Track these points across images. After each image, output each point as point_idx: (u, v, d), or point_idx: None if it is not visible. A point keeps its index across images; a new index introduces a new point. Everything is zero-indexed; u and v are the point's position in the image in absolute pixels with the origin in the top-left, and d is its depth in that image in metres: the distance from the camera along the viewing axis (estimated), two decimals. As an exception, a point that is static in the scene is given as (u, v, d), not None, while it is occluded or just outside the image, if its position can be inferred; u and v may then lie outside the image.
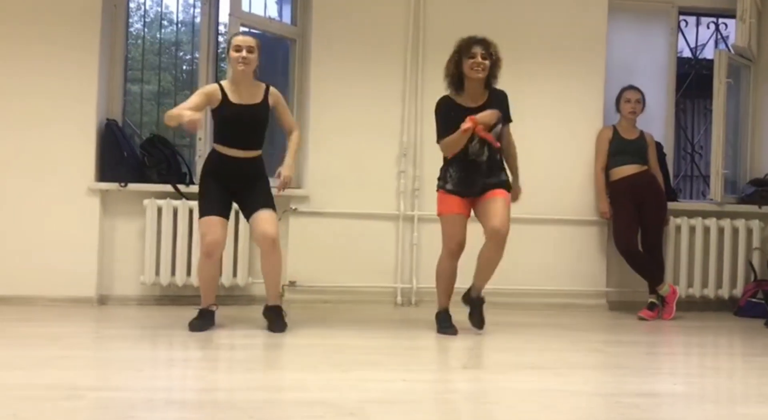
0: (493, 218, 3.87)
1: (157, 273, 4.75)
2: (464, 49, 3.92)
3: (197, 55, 5.23)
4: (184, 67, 6.15)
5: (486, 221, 3.92)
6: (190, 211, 4.76)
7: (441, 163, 4.06)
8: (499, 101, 3.97)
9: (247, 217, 3.98)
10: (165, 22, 5.68)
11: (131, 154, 4.87)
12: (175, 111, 3.76)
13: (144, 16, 5.82)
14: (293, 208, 4.96)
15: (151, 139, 4.94)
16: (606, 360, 3.59)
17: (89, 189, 4.74)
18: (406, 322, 4.50)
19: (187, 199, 4.79)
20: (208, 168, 3.98)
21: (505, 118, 4.01)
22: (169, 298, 4.82)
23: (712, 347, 4.32)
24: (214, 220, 3.84)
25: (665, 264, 5.11)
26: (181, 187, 4.82)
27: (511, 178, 4.07)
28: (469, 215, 4.03)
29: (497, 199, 3.92)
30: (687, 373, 3.44)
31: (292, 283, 4.90)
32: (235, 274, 4.83)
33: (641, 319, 4.80)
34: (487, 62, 3.91)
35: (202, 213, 3.90)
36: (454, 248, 3.99)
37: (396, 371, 3.14)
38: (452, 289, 4.10)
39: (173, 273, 4.76)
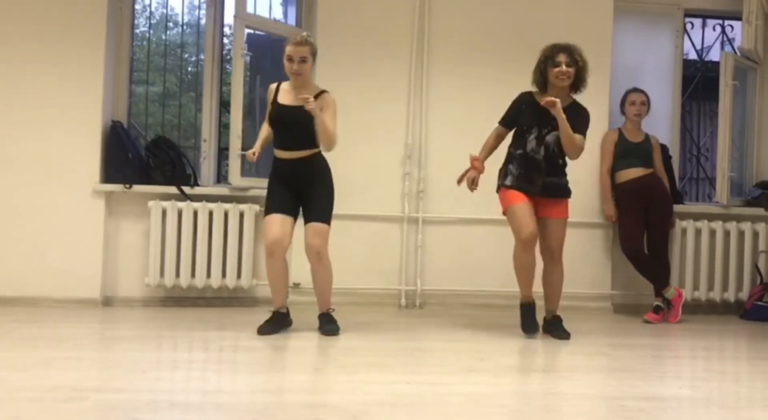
0: (552, 239, 4.04)
1: (162, 274, 4.75)
2: (549, 57, 3.99)
3: (202, 57, 5.24)
4: (189, 69, 6.16)
5: (544, 237, 4.04)
6: (195, 213, 4.77)
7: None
8: (573, 113, 3.99)
9: (304, 222, 3.98)
10: (170, 24, 5.70)
11: (136, 156, 4.87)
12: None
13: (149, 18, 5.83)
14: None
15: (156, 140, 4.94)
16: (611, 363, 3.58)
17: (94, 190, 4.75)
18: (411, 325, 4.49)
19: (192, 200, 4.79)
20: (271, 174, 4.03)
21: (575, 130, 3.98)
22: (174, 299, 4.83)
23: (718, 351, 4.29)
24: (274, 218, 3.88)
25: (671, 267, 5.09)
26: (186, 189, 4.82)
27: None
28: (533, 209, 4.03)
29: (560, 222, 4.07)
30: (692, 377, 3.42)
31: (296, 285, 4.90)
32: (239, 276, 4.83)
33: (646, 322, 4.78)
34: (572, 70, 3.97)
35: (265, 213, 3.95)
36: (527, 237, 3.95)
37: (400, 374, 3.13)
38: (533, 278, 4.08)
39: (177, 274, 4.76)
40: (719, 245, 5.24)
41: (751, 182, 5.61)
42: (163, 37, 5.72)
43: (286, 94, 3.97)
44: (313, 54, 3.95)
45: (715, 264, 5.25)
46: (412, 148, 5.09)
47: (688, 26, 5.65)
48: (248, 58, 5.04)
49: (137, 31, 5.47)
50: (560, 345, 3.93)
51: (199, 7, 5.32)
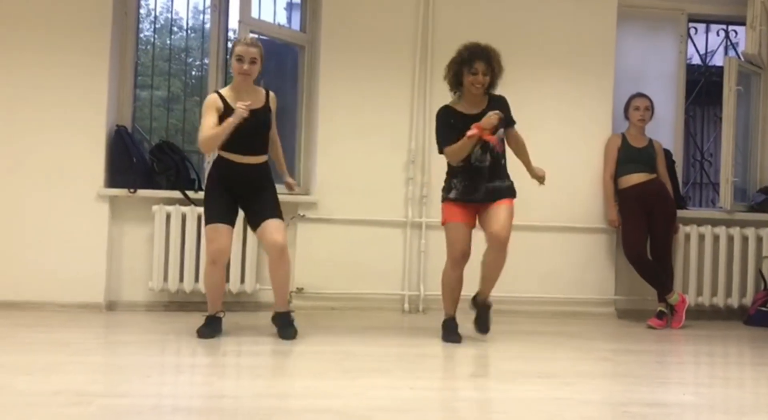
0: (495, 223, 3.89)
1: (166, 279, 4.76)
2: (466, 61, 3.90)
3: (207, 62, 5.25)
4: (194, 73, 6.18)
5: (487, 226, 3.94)
6: (199, 218, 4.77)
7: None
8: (499, 106, 3.95)
9: (254, 225, 3.97)
10: (175, 29, 5.71)
11: (140, 160, 4.88)
12: (212, 132, 3.76)
13: (154, 23, 5.86)
14: (301, 214, 4.97)
15: (161, 145, 4.95)
16: (614, 369, 3.57)
17: (98, 195, 4.76)
18: (414, 330, 4.49)
19: (196, 205, 4.80)
20: (213, 175, 3.97)
21: (508, 122, 3.99)
22: (178, 304, 4.83)
23: (722, 357, 4.29)
24: (219, 228, 3.85)
25: (674, 272, 5.09)
26: (190, 194, 4.83)
27: (527, 169, 4.05)
28: (474, 224, 4.03)
29: (501, 206, 3.94)
30: (696, 383, 3.42)
31: (299, 290, 4.90)
32: (242, 281, 4.84)
33: (650, 327, 4.77)
34: (487, 78, 3.90)
35: (208, 220, 3.90)
36: (457, 257, 3.98)
37: (403, 379, 3.13)
38: (458, 297, 4.11)
39: (181, 279, 4.77)
40: (723, 251, 5.23)
41: (754, 187, 5.61)
42: (168, 42, 5.73)
43: (235, 99, 3.86)
44: (262, 57, 3.92)
45: (718, 269, 5.24)
46: (416, 153, 5.10)
47: (692, 31, 5.65)
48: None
49: (142, 35, 5.49)
50: (563, 350, 3.92)
51: (204, 12, 5.33)
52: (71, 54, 4.74)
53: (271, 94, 4.04)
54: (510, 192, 4.01)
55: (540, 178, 4.06)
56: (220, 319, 4.00)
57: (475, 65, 3.87)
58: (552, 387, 3.12)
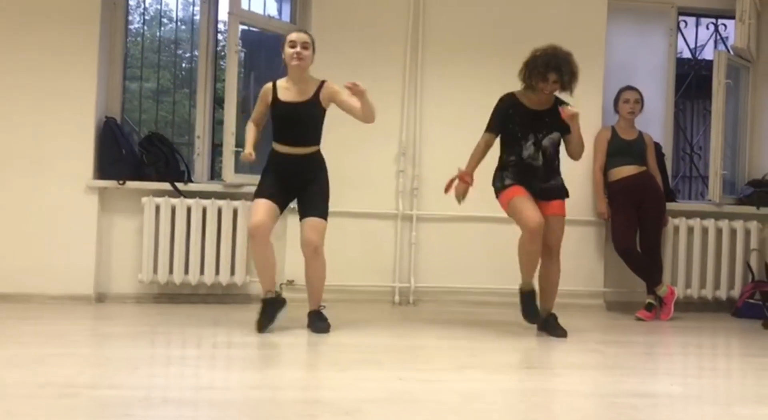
0: (550, 235, 3.98)
1: (155, 271, 4.75)
2: (540, 71, 3.89)
3: (196, 53, 5.23)
4: (183, 65, 6.15)
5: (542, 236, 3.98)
6: (188, 210, 4.77)
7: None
8: (559, 113, 3.97)
9: (300, 217, 3.98)
10: (164, 20, 5.68)
11: (130, 152, 4.86)
12: (247, 134, 4.04)
13: (143, 14, 5.82)
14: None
15: (150, 136, 4.94)
16: (603, 360, 3.59)
17: (87, 186, 4.74)
18: (404, 322, 4.50)
19: (186, 197, 4.79)
20: (266, 165, 4.02)
21: (565, 130, 4.01)
22: (167, 296, 4.82)
23: (710, 348, 4.32)
24: (260, 202, 3.87)
25: (663, 265, 5.11)
26: (180, 185, 4.82)
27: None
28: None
29: (558, 218, 4.02)
30: (684, 374, 3.44)
31: (290, 282, 4.90)
32: (233, 273, 4.83)
33: (639, 319, 4.80)
34: (557, 86, 3.94)
35: (254, 196, 3.94)
36: (535, 227, 3.87)
37: (393, 370, 3.14)
38: (536, 268, 4.04)
39: (171, 271, 4.76)
40: (711, 243, 5.26)
41: (743, 180, 5.64)
42: (157, 34, 5.70)
43: (285, 91, 3.95)
44: (313, 46, 3.95)
45: (707, 262, 5.27)
46: (407, 146, 5.10)
47: (682, 25, 5.66)
48: (242, 55, 5.03)
49: (131, 27, 5.46)
50: (553, 342, 3.94)
51: (194, 4, 5.31)
52: (60, 45, 4.71)
53: (326, 84, 3.97)
54: (561, 191, 4.07)
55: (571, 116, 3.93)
56: (274, 299, 3.91)
57: (547, 75, 3.90)
58: (541, 378, 3.13)
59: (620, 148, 5.00)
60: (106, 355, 3.34)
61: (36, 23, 4.70)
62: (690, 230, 5.26)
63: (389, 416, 2.47)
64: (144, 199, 4.74)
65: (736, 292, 5.27)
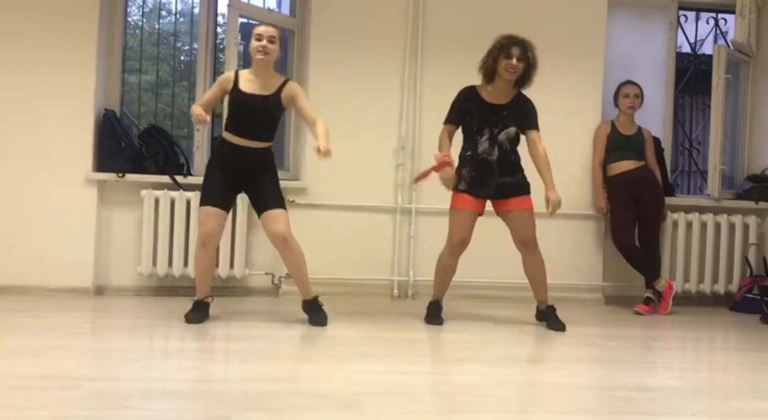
0: (519, 233, 4.02)
1: (154, 264, 4.74)
2: (504, 46, 3.95)
3: (195, 46, 5.22)
4: (182, 58, 6.14)
5: (513, 234, 4.06)
6: (188, 202, 4.76)
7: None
8: (521, 106, 4.00)
9: (258, 213, 3.97)
10: (163, 13, 5.66)
11: (129, 145, 4.86)
12: (194, 107, 3.90)
13: (142, 7, 5.81)
14: (291, 200, 4.95)
15: (149, 129, 4.93)
16: (601, 354, 3.60)
17: (86, 179, 4.73)
18: (403, 315, 4.51)
19: (185, 190, 4.78)
20: (214, 155, 3.98)
21: (529, 125, 4.03)
22: (166, 289, 4.82)
23: (708, 342, 4.33)
24: (211, 211, 3.84)
25: (662, 259, 5.12)
26: (179, 178, 4.82)
27: (543, 185, 4.01)
28: (481, 213, 4.07)
29: (521, 213, 4.01)
30: (682, 368, 3.45)
31: (288, 275, 4.89)
32: (232, 266, 4.83)
33: (637, 313, 4.81)
34: (521, 65, 3.94)
35: (202, 201, 3.91)
36: (456, 244, 4.03)
37: (392, 363, 3.15)
38: (448, 283, 4.17)
39: (170, 264, 4.76)
40: (710, 238, 5.27)
41: (742, 175, 5.64)
42: (156, 26, 5.69)
43: (247, 83, 3.87)
44: (280, 40, 3.90)
45: (705, 256, 5.27)
46: (406, 139, 5.09)
47: (682, 19, 5.65)
48: (242, 48, 5.02)
49: (130, 19, 5.45)
50: (551, 336, 3.95)
51: (193, -4, 5.30)
52: (59, 38, 4.69)
53: (290, 84, 3.94)
54: (522, 188, 4.05)
55: (554, 205, 3.98)
56: (208, 304, 3.98)
57: (510, 50, 3.92)
58: (540, 371, 3.14)
59: (619, 142, 5.00)
60: (105, 348, 3.35)
61: (35, 16, 4.68)
62: (689, 225, 5.27)
63: (389, 409, 2.48)
64: (143, 192, 4.73)
65: (734, 287, 5.28)
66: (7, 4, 4.67)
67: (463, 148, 4.11)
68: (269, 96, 3.87)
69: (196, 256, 3.98)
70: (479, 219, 4.09)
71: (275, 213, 3.87)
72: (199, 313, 3.91)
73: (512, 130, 4.01)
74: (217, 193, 3.87)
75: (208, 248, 3.87)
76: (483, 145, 3.99)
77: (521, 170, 4.09)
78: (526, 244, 4.05)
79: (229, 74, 3.97)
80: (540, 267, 4.12)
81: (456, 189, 4.06)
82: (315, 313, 3.96)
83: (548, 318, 4.09)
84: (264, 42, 3.81)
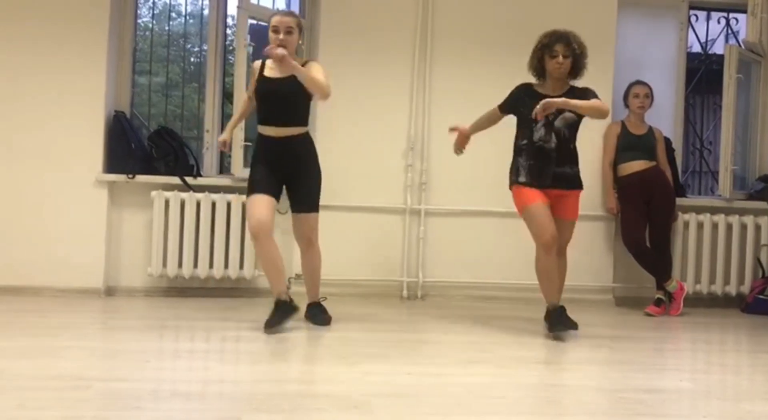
0: (561, 238, 3.93)
1: (165, 265, 4.76)
2: (546, 46, 3.90)
3: (205, 48, 5.23)
4: (192, 60, 6.16)
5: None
6: (198, 203, 4.78)
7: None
8: (577, 94, 3.87)
9: (292, 209, 3.96)
10: (173, 14, 5.68)
11: (139, 146, 4.88)
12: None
13: (152, 8, 5.83)
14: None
15: (159, 131, 4.95)
16: (612, 355, 3.58)
17: (97, 180, 4.76)
18: (412, 316, 4.50)
19: (195, 191, 4.80)
20: (254, 153, 3.96)
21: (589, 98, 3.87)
22: (176, 289, 4.84)
23: (719, 344, 4.30)
24: (256, 200, 3.76)
25: (673, 260, 5.09)
26: (189, 179, 4.83)
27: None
28: (549, 203, 3.90)
29: (571, 222, 4.00)
30: (693, 370, 3.43)
31: (298, 276, 4.90)
32: (241, 267, 4.84)
33: (648, 314, 4.78)
34: (569, 60, 3.88)
35: (248, 192, 3.86)
36: (548, 241, 3.81)
37: (401, 365, 3.14)
38: (557, 284, 3.94)
39: (180, 265, 4.77)
40: (721, 238, 5.24)
41: (753, 175, 5.61)
42: (166, 28, 5.70)
43: (270, 69, 3.86)
44: (300, 28, 3.82)
45: (717, 257, 5.25)
46: (415, 140, 5.09)
47: (693, 19, 5.63)
48: (251, 49, 5.03)
49: (140, 21, 5.46)
50: (561, 337, 3.92)
51: (202, -2, 5.31)
52: (69, 40, 4.72)
53: (311, 63, 3.88)
54: (578, 182, 3.96)
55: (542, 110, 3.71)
56: (286, 303, 3.75)
57: (554, 48, 3.87)
58: (550, 373, 3.13)
59: (630, 143, 4.98)
60: (115, 348, 3.36)
61: (45, 19, 4.71)
62: (700, 225, 5.24)
63: (397, 410, 2.47)
64: (153, 193, 4.75)
65: (746, 288, 5.25)
66: (17, 7, 4.70)
67: (517, 137, 3.98)
68: (290, 76, 3.69)
69: (256, 251, 3.97)
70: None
71: (307, 217, 3.90)
72: (277, 316, 3.70)
73: (570, 115, 3.87)
74: (260, 182, 3.81)
75: (261, 239, 3.71)
76: (539, 131, 3.87)
77: (578, 163, 3.97)
78: (561, 248, 3.99)
79: (257, 62, 3.96)
80: (565, 271, 4.08)
81: (516, 181, 3.94)
82: (321, 314, 3.96)
83: (556, 317, 3.86)
84: (281, 35, 3.73)
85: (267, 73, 3.87)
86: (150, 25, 5.71)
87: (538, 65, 3.98)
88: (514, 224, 4.08)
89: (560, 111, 3.84)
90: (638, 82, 5.06)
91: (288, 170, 3.86)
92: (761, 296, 5.10)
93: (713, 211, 5.29)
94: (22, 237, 4.68)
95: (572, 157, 3.95)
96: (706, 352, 4.02)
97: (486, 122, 4.17)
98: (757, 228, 5.28)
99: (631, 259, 4.94)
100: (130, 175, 4.76)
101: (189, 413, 2.43)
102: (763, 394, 2.98)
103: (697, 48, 5.90)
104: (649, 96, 5.02)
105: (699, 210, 5.27)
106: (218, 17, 5.15)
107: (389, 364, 3.17)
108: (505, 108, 4.08)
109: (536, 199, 3.85)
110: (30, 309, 4.21)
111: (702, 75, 5.80)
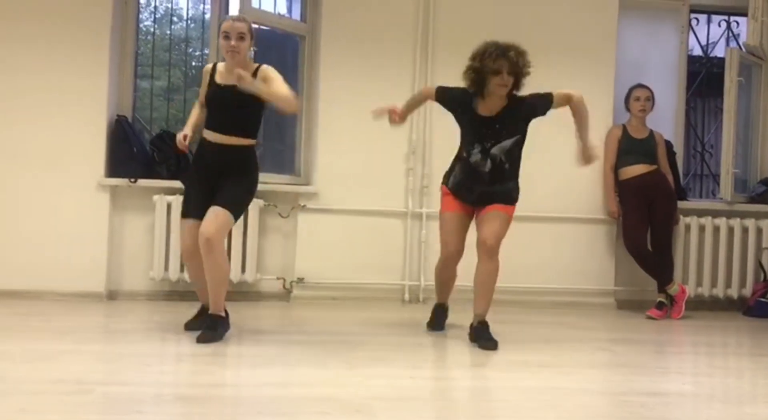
0: (484, 229, 3.68)
1: (166, 268, 4.76)
2: (489, 61, 3.60)
3: (207, 52, 5.24)
4: (194, 64, 6.16)
5: (478, 232, 3.74)
6: (199, 207, 4.77)
7: (448, 162, 4.02)
8: (519, 111, 3.71)
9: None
10: (175, 19, 5.69)
11: (141, 150, 4.89)
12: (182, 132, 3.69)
13: (154, 13, 5.84)
14: (302, 204, 4.97)
15: (161, 135, 4.95)
16: (614, 359, 3.58)
17: (99, 184, 4.76)
18: (414, 320, 4.50)
19: (196, 195, 4.79)
20: (194, 157, 3.80)
21: (544, 109, 3.76)
22: (178, 293, 4.84)
23: (721, 347, 4.30)
24: (187, 227, 3.59)
25: (674, 263, 5.09)
26: (190, 183, 4.83)
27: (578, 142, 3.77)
28: (470, 222, 3.86)
29: (494, 213, 3.70)
30: (695, 373, 3.43)
31: (300, 280, 4.91)
32: (243, 271, 4.84)
33: (650, 318, 4.78)
34: (512, 78, 3.63)
35: (181, 213, 3.71)
36: (448, 256, 3.80)
37: (403, 368, 3.14)
38: (450, 290, 4.05)
39: (182, 269, 4.76)
40: (723, 242, 5.24)
41: (755, 179, 5.61)
42: (168, 32, 5.72)
43: (222, 74, 3.67)
44: (251, 32, 3.69)
45: (718, 260, 5.25)
46: (416, 144, 5.10)
47: (694, 22, 5.64)
48: (253, 53, 5.04)
49: (142, 25, 5.47)
50: (563, 340, 3.93)
51: (204, 2, 5.32)
52: (71, 44, 4.73)
53: (263, 68, 3.65)
54: (505, 196, 3.74)
55: (588, 155, 3.74)
56: (223, 318, 3.65)
57: (497, 65, 3.58)
58: (552, 376, 3.13)
59: (631, 146, 4.98)
60: (117, 352, 3.36)
61: (47, 23, 4.72)
62: (701, 229, 5.24)
63: (399, 414, 2.47)
64: (155, 197, 4.76)
65: (747, 291, 5.25)
66: (19, 10, 4.71)
67: (460, 146, 3.87)
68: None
69: (187, 269, 3.77)
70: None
71: (216, 211, 3.48)
72: (200, 321, 3.70)
73: (507, 142, 3.71)
74: (193, 203, 3.62)
75: (192, 262, 3.62)
76: (475, 156, 3.73)
77: (514, 177, 3.78)
78: (485, 244, 3.64)
79: (207, 67, 3.81)
80: (490, 276, 3.71)
81: (446, 184, 3.87)
82: (207, 329, 3.56)
83: (480, 336, 3.63)
84: (232, 41, 3.60)
85: (218, 79, 3.68)
86: (152, 29, 5.72)
87: (476, 79, 3.66)
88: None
89: (499, 139, 3.69)
90: (639, 86, 5.07)
91: (219, 177, 3.60)
92: (763, 299, 5.10)
93: (714, 214, 5.29)
94: (24, 241, 4.69)
95: (504, 176, 3.74)
96: (708, 355, 4.02)
97: (417, 100, 4.02)
98: (759, 231, 5.28)
99: (633, 262, 4.94)
100: (132, 180, 4.77)
101: (191, 417, 2.43)
102: (766, 397, 2.98)
103: (698, 51, 5.91)
104: (650, 99, 5.03)
105: (700, 213, 5.27)
106: (220, 21, 5.15)
107: (391, 367, 3.17)
108: (444, 99, 3.82)
109: (454, 208, 3.81)
110: (32, 313, 4.21)
111: (703, 78, 5.81)
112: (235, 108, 3.62)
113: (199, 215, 3.53)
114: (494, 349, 3.55)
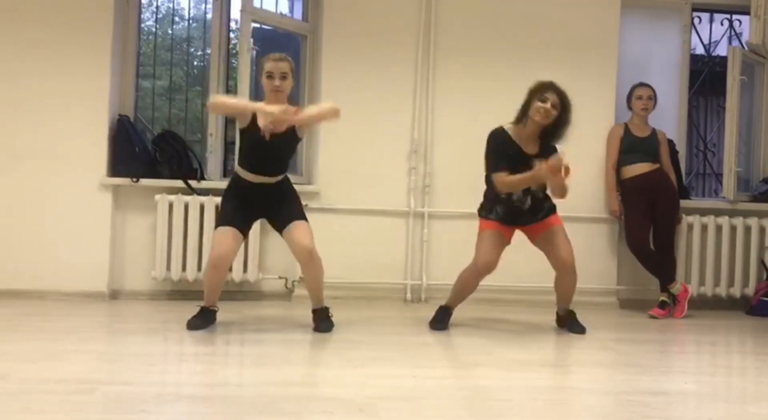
0: (559, 251, 3.95)
1: (168, 268, 4.77)
2: (538, 90, 3.85)
3: (209, 51, 5.24)
4: (196, 63, 6.17)
5: (551, 253, 3.99)
6: (201, 207, 4.78)
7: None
8: (548, 147, 3.87)
9: (280, 230, 3.84)
10: (176, 18, 5.71)
11: (143, 150, 4.89)
12: (230, 101, 3.87)
13: (156, 13, 5.85)
14: (304, 204, 4.95)
15: (163, 134, 4.96)
16: (616, 358, 3.58)
17: (101, 184, 4.77)
18: (416, 319, 4.50)
19: (198, 194, 4.80)
20: (228, 191, 3.87)
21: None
22: (180, 293, 4.84)
23: (724, 346, 4.29)
24: (225, 231, 3.71)
25: (677, 262, 5.09)
26: (193, 183, 4.84)
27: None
28: (509, 241, 4.03)
29: (556, 229, 3.98)
30: (698, 372, 3.42)
31: (302, 279, 4.90)
32: (245, 270, 4.84)
33: (652, 317, 4.78)
34: (554, 113, 3.82)
35: (217, 224, 3.82)
36: (481, 267, 3.94)
37: (406, 368, 3.14)
38: (465, 299, 4.15)
39: (184, 268, 4.78)
40: (725, 241, 5.23)
41: (758, 177, 5.60)
42: (170, 32, 5.72)
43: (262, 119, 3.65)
44: (292, 72, 3.78)
45: (721, 259, 5.24)
46: (418, 143, 5.09)
47: (696, 21, 5.63)
48: (254, 53, 5.04)
49: (143, 25, 5.48)
50: (566, 340, 3.93)
51: (206, 2, 5.32)
52: (73, 44, 4.74)
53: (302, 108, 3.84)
54: (552, 210, 4.02)
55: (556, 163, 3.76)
56: (214, 312, 3.90)
57: (546, 94, 3.83)
58: (555, 376, 3.12)
59: (633, 145, 4.97)
60: (120, 352, 3.36)
61: (49, 22, 4.73)
62: (704, 228, 5.23)
63: (403, 413, 2.47)
64: (157, 197, 4.76)
65: (750, 290, 5.24)
66: (21, 11, 4.71)
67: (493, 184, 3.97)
68: (286, 134, 3.71)
69: (206, 274, 3.82)
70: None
71: (302, 224, 3.78)
72: (202, 320, 3.83)
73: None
74: (232, 216, 3.76)
75: (220, 270, 3.74)
76: (517, 193, 3.92)
77: (549, 198, 4.02)
78: (565, 263, 3.96)
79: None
80: (574, 286, 4.09)
81: (486, 217, 4.01)
82: (323, 321, 3.89)
83: (570, 323, 4.10)
84: (276, 81, 3.69)
85: (260, 122, 3.66)
86: (153, 29, 5.73)
87: (522, 108, 3.89)
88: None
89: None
90: (641, 84, 5.06)
91: (263, 206, 3.82)
92: (766, 298, 5.09)
93: (717, 213, 5.28)
94: (27, 240, 4.69)
95: (544, 205, 4.01)
96: (711, 354, 4.02)
97: (516, 178, 3.87)
98: (762, 230, 5.27)
99: (635, 261, 4.94)
100: (134, 179, 4.77)
101: (193, 416, 2.43)
102: (769, 396, 2.98)
103: (700, 50, 5.91)
104: (653, 98, 5.02)
105: (703, 212, 5.27)
106: (221, 21, 5.16)
107: (394, 367, 3.16)
108: (505, 163, 3.85)
109: (496, 227, 3.96)
110: (34, 312, 4.21)
111: (705, 77, 5.80)
112: (278, 153, 3.78)
113: (239, 226, 3.75)
114: (583, 332, 4.00)
